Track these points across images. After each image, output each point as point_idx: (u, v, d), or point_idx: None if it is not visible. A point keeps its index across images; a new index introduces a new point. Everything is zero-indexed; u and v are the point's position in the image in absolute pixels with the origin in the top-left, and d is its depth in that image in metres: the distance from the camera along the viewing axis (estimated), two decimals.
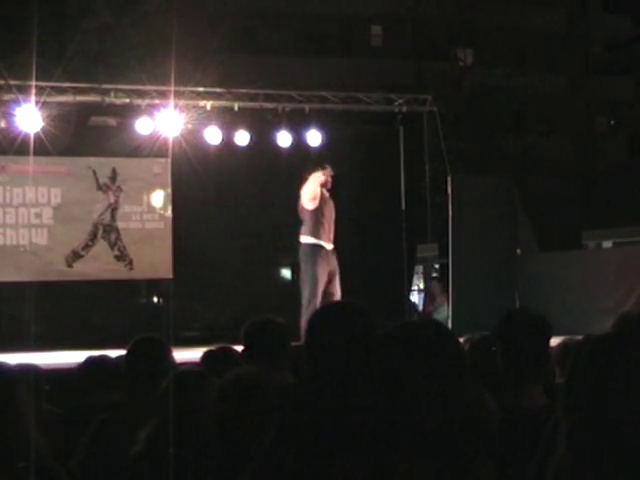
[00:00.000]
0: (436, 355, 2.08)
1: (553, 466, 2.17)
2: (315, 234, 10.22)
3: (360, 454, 2.19)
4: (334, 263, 10.31)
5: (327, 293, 10.16)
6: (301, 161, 12.10)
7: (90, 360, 5.06)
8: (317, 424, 2.42)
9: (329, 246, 10.26)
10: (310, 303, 10.06)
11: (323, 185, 10.29)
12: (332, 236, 10.36)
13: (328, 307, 2.87)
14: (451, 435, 2.03)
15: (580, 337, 4.97)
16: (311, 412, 2.46)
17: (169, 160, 12.83)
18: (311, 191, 10.19)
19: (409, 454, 2.03)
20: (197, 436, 3.20)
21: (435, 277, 13.83)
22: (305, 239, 10.29)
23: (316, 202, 10.15)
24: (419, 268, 19.34)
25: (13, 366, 3.29)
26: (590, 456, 1.99)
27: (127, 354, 4.27)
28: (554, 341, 3.62)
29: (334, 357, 2.45)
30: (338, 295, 10.17)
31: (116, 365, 4.86)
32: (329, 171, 10.38)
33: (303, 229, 10.32)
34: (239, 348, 4.44)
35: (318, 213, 10.20)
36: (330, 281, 10.23)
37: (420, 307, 15.69)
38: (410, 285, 13.89)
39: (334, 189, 10.60)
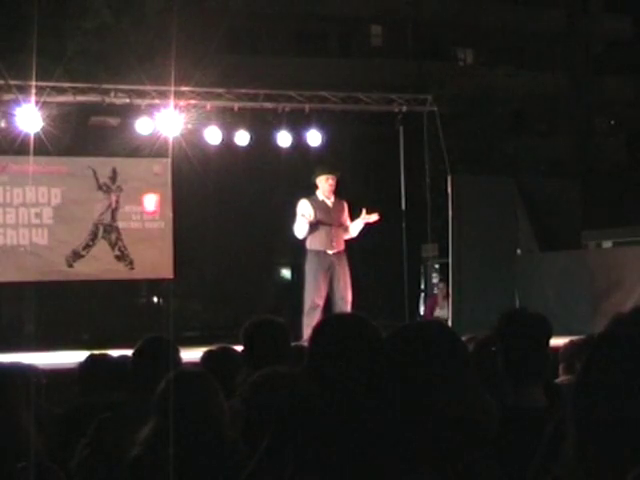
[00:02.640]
0: (441, 356, 2.07)
1: (559, 467, 2.16)
2: (312, 241, 10.35)
3: (363, 456, 2.19)
4: (340, 266, 10.35)
5: (337, 297, 10.29)
6: (301, 161, 12.11)
7: (92, 358, 5.06)
8: (320, 426, 2.42)
9: (330, 250, 10.32)
10: (311, 309, 10.17)
11: (326, 194, 10.36)
12: (339, 239, 10.40)
13: (330, 319, 2.88)
14: (453, 436, 2.02)
15: (582, 337, 4.97)
16: (313, 414, 2.46)
17: (169, 160, 12.84)
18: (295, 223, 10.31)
19: (411, 456, 2.03)
20: (203, 435, 3.19)
21: (441, 279, 13.77)
22: (307, 246, 10.39)
23: (305, 225, 10.30)
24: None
25: (10, 366, 3.29)
26: (597, 457, 1.99)
27: (135, 353, 4.26)
28: (554, 341, 3.62)
29: (336, 367, 2.47)
30: (348, 299, 10.27)
31: (117, 364, 4.85)
32: (333, 175, 10.40)
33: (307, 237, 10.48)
34: (239, 348, 4.44)
35: (313, 225, 10.33)
36: (337, 284, 10.30)
37: (421, 308, 15.64)
38: (419, 286, 13.86)
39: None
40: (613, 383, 1.99)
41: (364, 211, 10.46)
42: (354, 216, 10.63)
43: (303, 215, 10.22)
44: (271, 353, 4.07)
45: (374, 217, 10.50)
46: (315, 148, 12.92)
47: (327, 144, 12.97)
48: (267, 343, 4.17)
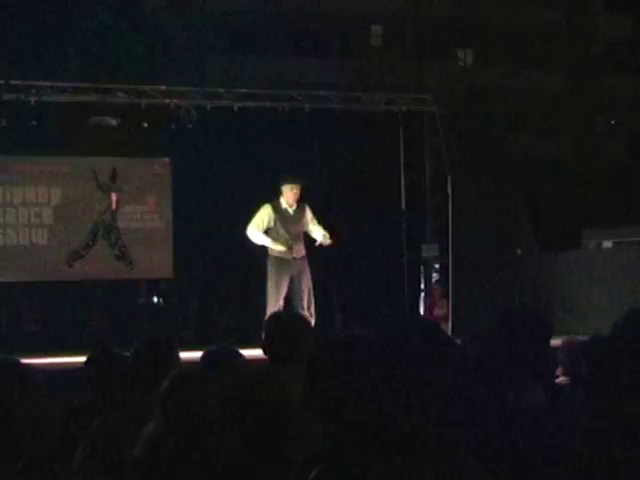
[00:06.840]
0: (431, 356, 2.07)
1: (559, 466, 2.16)
2: (272, 249, 10.43)
3: (356, 456, 2.19)
4: (301, 273, 10.41)
5: (296, 304, 10.42)
6: (301, 161, 12.11)
7: (102, 350, 5.05)
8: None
9: (289, 257, 10.37)
10: (270, 312, 10.27)
11: (285, 202, 10.38)
12: (299, 247, 10.44)
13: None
14: (445, 437, 2.02)
15: (581, 337, 4.98)
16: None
17: (169, 160, 12.85)
18: (252, 223, 10.39)
19: (403, 455, 2.02)
20: (203, 435, 3.19)
21: (437, 280, 13.76)
22: (269, 252, 10.53)
23: (258, 230, 10.40)
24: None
25: (10, 365, 3.28)
26: (596, 456, 1.99)
27: (134, 353, 4.26)
28: (554, 341, 3.62)
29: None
30: (308, 306, 10.35)
31: (123, 362, 4.84)
32: (298, 185, 10.40)
33: None
34: (239, 348, 4.45)
35: (273, 231, 10.41)
36: (297, 290, 10.38)
37: (421, 308, 15.63)
38: (419, 286, 13.84)
39: (339, 188, 10.62)
40: (618, 382, 1.99)
41: (326, 236, 10.39)
42: (349, 218, 10.64)
43: (260, 223, 10.32)
44: (291, 348, 4.15)
45: (327, 242, 10.44)
46: (315, 148, 12.93)
47: (327, 144, 12.97)
48: (288, 337, 4.24)
